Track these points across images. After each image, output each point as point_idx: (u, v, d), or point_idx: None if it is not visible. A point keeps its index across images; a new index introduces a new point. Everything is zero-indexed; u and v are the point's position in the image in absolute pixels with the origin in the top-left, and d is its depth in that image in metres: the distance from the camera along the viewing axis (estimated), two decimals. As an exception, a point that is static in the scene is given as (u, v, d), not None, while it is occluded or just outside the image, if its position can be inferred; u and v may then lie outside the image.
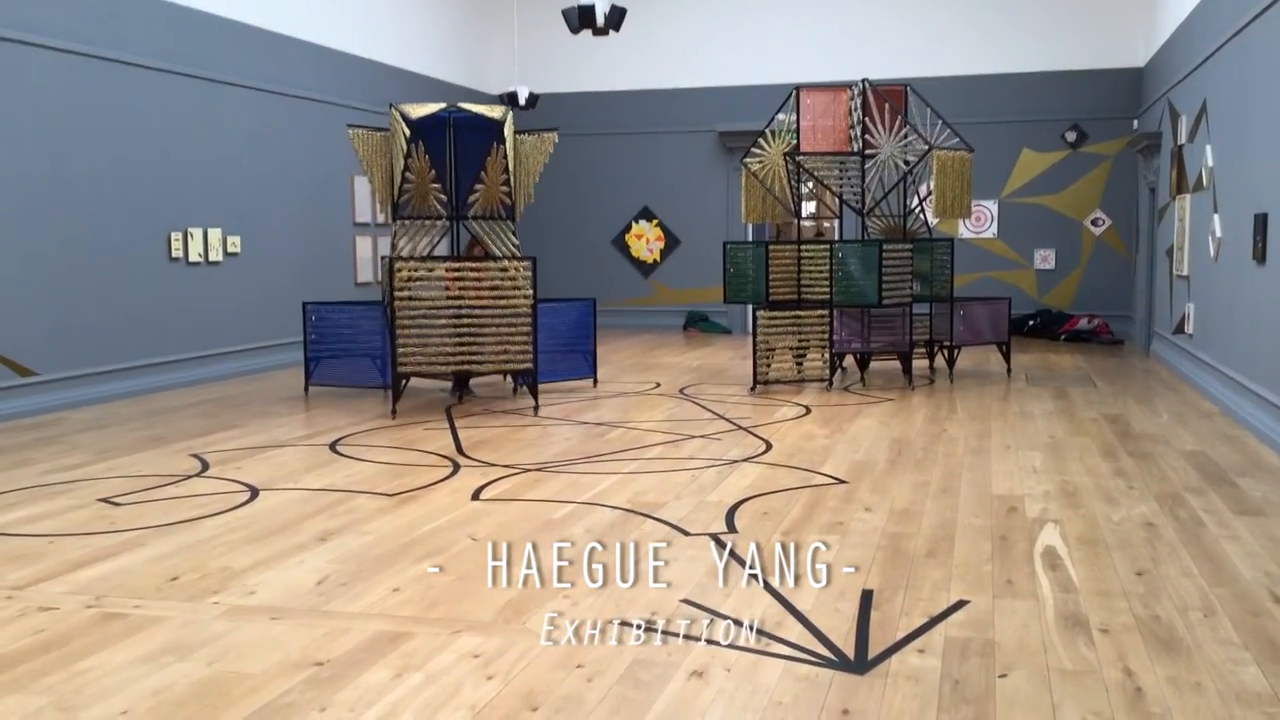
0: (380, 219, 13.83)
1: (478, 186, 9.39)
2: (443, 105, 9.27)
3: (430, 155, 9.26)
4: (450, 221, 9.53)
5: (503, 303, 8.75)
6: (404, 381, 8.87)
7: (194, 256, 10.66)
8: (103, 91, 9.58)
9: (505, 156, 9.24)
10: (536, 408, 8.88)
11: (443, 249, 10.00)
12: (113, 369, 9.69)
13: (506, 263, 8.88)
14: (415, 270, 8.68)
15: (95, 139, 9.51)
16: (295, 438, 7.87)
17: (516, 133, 9.44)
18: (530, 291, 8.75)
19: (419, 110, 9.17)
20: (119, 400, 9.58)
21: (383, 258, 9.97)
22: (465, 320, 8.72)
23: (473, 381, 9.89)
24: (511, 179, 9.35)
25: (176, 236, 10.45)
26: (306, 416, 8.80)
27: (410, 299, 8.58)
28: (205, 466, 6.91)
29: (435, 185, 9.32)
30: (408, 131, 8.99)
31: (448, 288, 8.69)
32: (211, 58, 10.90)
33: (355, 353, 9.94)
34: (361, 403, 9.44)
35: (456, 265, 8.84)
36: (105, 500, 6.01)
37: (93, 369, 9.47)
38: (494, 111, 9.27)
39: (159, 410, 9.11)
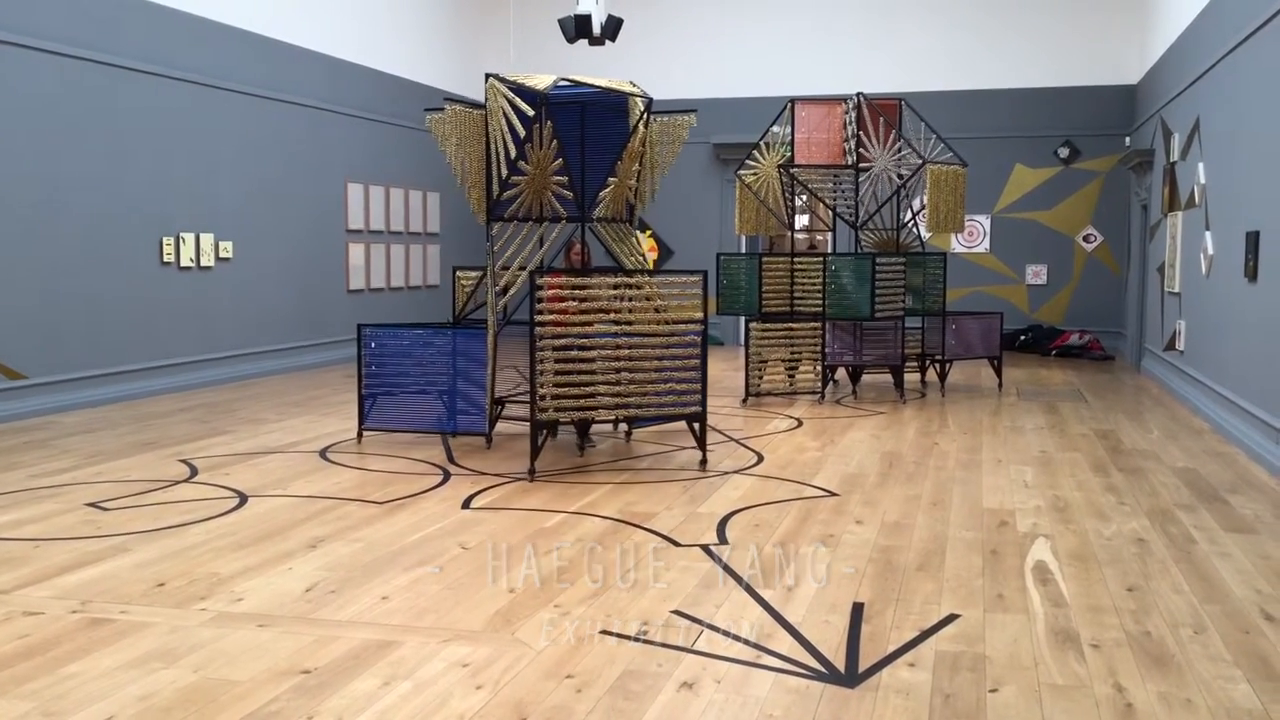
0: (379, 227, 13.82)
1: (610, 181, 7.60)
2: (556, 78, 7.39)
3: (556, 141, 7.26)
4: (578, 225, 7.70)
5: (667, 329, 6.90)
6: (545, 434, 7.05)
7: (185, 261, 10.62)
8: (95, 95, 9.56)
9: (642, 145, 7.68)
10: (704, 460, 7.11)
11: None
12: (103, 373, 9.65)
13: (671, 278, 7.21)
14: (554, 286, 6.77)
15: (87, 142, 9.49)
16: (285, 444, 7.84)
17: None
18: (701, 315, 6.97)
19: (539, 81, 7.25)
20: (108, 405, 9.54)
21: (456, 269, 8.49)
22: (625, 352, 6.82)
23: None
24: (641, 172, 7.82)
25: (168, 241, 10.42)
26: (297, 423, 8.76)
27: (554, 324, 6.69)
28: (194, 472, 6.87)
29: (559, 179, 7.38)
30: (527, 110, 7.05)
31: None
32: (205, 62, 10.89)
33: (420, 389, 7.99)
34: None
35: (614, 281, 6.98)
36: (93, 505, 5.98)
37: (82, 373, 9.44)
38: (623, 86, 7.62)
39: (148, 415, 9.07)
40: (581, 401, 6.77)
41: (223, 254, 11.14)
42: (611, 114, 7.63)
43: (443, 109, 7.60)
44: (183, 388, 10.52)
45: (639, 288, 7.01)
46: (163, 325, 10.37)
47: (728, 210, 15.33)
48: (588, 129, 7.47)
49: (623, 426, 8.18)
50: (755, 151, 10.90)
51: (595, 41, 11.69)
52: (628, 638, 3.98)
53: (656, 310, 6.96)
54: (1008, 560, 5.04)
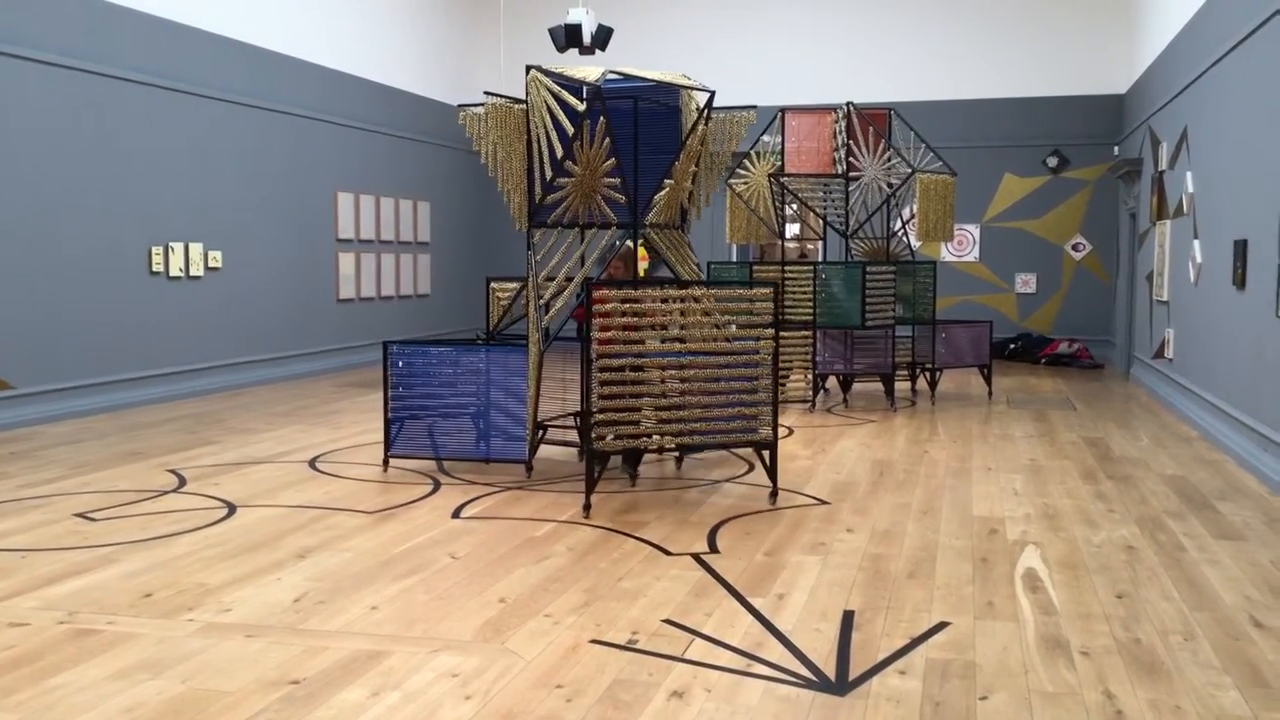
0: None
1: (667, 182, 7.01)
2: (605, 70, 6.75)
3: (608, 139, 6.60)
4: (631, 232, 6.98)
5: (737, 347, 6.21)
6: (604, 468, 6.35)
7: (175, 271, 10.59)
8: (85, 104, 9.54)
9: (702, 144, 7.06)
10: (775, 493, 6.42)
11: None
12: (91, 383, 9.61)
13: (739, 291, 6.53)
14: (618, 300, 6.05)
15: (77, 152, 9.46)
16: (274, 454, 7.81)
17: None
18: (771, 332, 6.27)
19: (587, 74, 6.65)
20: (96, 415, 9.50)
21: (490, 280, 7.87)
22: (690, 373, 6.15)
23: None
24: (697, 174, 7.22)
25: (157, 250, 10.39)
26: (286, 433, 8.73)
27: (609, 341, 6.03)
28: (182, 482, 6.84)
29: (611, 181, 6.72)
30: (576, 104, 6.49)
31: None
32: (195, 72, 10.88)
33: (450, 411, 7.19)
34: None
35: (678, 294, 6.26)
36: (80, 515, 5.94)
37: (70, 383, 9.39)
38: (678, 78, 7.07)
39: (137, 425, 9.03)
40: (642, 428, 6.16)
41: (212, 263, 11.11)
42: (665, 110, 7.09)
43: (481, 104, 6.99)
44: (171, 397, 10.48)
45: (697, 301, 6.23)
46: (151, 335, 10.33)
47: (719, 219, 15.34)
48: (641, 126, 6.71)
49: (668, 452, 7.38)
50: (746, 160, 10.92)
51: (585, 51, 11.70)
52: (618, 647, 3.97)
53: (717, 327, 6.23)
54: (998, 568, 5.04)
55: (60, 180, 9.30)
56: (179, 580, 4.77)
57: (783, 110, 10.61)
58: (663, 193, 7.04)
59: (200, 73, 10.94)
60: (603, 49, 11.82)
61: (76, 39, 9.47)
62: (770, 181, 10.63)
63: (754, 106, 7.64)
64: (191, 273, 10.83)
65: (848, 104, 10.50)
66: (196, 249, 10.89)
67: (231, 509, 6.12)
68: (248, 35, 11.68)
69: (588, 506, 6.07)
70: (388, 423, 7.20)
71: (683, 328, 6.19)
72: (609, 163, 6.60)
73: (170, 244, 10.55)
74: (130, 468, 7.28)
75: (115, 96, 9.87)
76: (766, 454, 6.37)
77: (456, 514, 6.03)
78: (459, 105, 7.32)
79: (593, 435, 6.05)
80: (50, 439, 8.36)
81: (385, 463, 7.27)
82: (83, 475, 7.03)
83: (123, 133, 9.96)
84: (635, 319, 6.10)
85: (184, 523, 5.79)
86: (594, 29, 11.58)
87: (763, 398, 6.25)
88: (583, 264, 7.06)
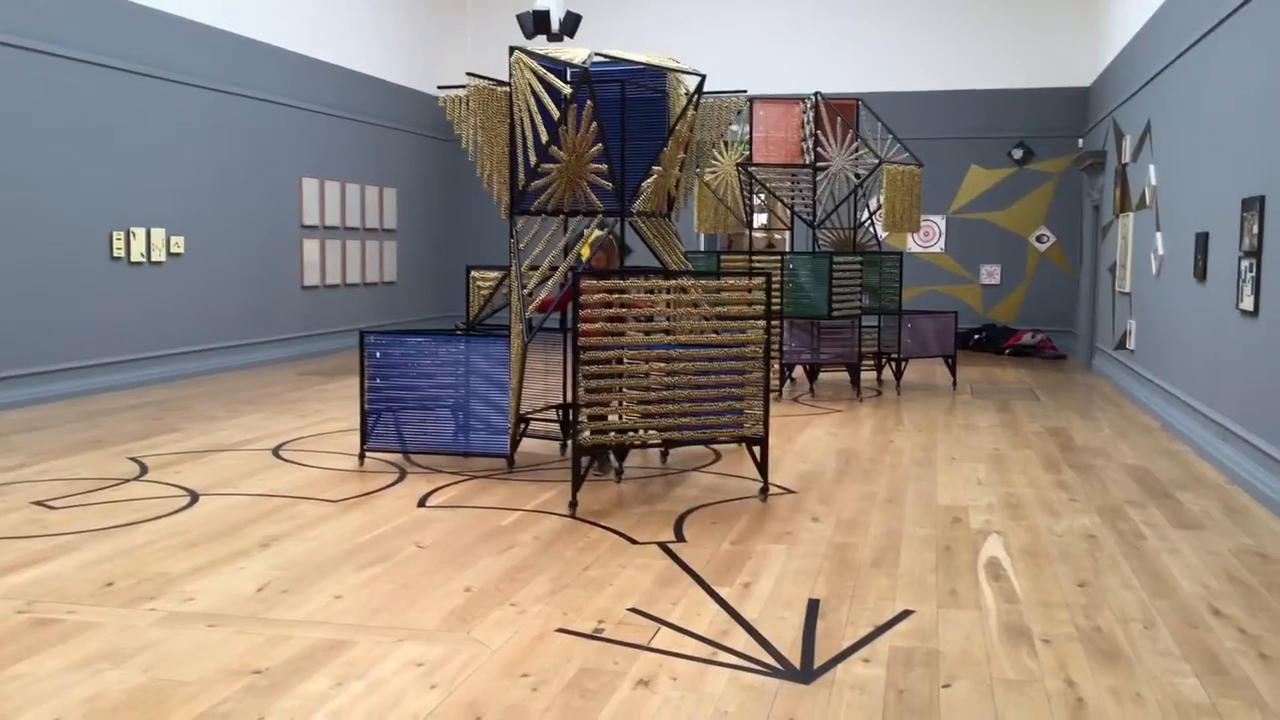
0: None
1: (655, 169, 6.79)
2: (590, 53, 6.49)
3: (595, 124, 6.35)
4: (618, 220, 6.75)
5: (726, 339, 6.05)
6: (591, 463, 6.39)
7: (136, 256, 10.46)
8: (43, 87, 9.38)
9: (691, 129, 6.90)
10: (766, 489, 6.23)
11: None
12: (50, 369, 9.47)
13: (731, 281, 6.19)
14: (608, 291, 5.89)
15: (36, 134, 9.31)
16: (237, 442, 7.74)
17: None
18: (762, 323, 6.10)
19: (574, 55, 6.43)
20: (56, 402, 9.37)
21: (470, 268, 7.71)
22: (681, 365, 5.94)
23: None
24: (685, 160, 7.03)
25: (118, 236, 10.25)
26: (249, 420, 8.65)
27: (598, 333, 5.87)
28: (144, 470, 6.77)
29: (598, 167, 6.51)
30: (562, 87, 6.20)
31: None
32: (158, 55, 10.72)
33: (433, 404, 6.95)
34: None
35: (666, 284, 6.14)
36: (39, 503, 5.86)
37: (28, 369, 9.25)
38: (666, 61, 6.86)
39: (97, 412, 8.92)
40: (627, 421, 6.02)
41: (174, 249, 10.98)
42: (652, 94, 6.88)
43: (462, 86, 6.79)
44: (133, 385, 10.35)
45: (685, 291, 6.09)
46: (112, 321, 10.19)
47: (687, 208, 15.33)
48: (629, 111, 6.53)
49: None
50: (714, 149, 10.90)
51: (554, 37, 11.66)
52: (584, 636, 3.97)
53: (705, 319, 6.07)
54: (961, 556, 5.08)
55: (19, 163, 9.15)
56: (140, 569, 4.72)
57: (751, 99, 10.60)
58: (650, 180, 6.82)
59: (163, 56, 10.79)
60: (571, 36, 11.79)
61: (34, 21, 9.30)
62: (738, 171, 10.64)
63: (744, 90, 7.42)
64: (153, 258, 10.69)
65: (815, 94, 10.52)
66: (158, 234, 10.75)
67: (194, 497, 6.06)
68: (211, 19, 11.52)
69: (574, 504, 5.83)
70: (364, 415, 6.93)
71: (669, 319, 6.05)
72: (595, 148, 6.35)
73: (132, 229, 10.41)
74: (91, 455, 7.19)
75: (75, 80, 9.70)
76: (757, 449, 6.18)
77: (422, 503, 6.00)
78: (439, 86, 7.07)
79: (576, 429, 5.87)
80: (8, 426, 8.24)
81: (361, 456, 7.01)
82: (41, 463, 6.93)
83: (82, 117, 9.80)
84: (622, 310, 5.96)
85: (145, 511, 5.73)
86: (562, 15, 11.54)
87: (752, 391, 6.08)
88: (566, 253, 6.92)
